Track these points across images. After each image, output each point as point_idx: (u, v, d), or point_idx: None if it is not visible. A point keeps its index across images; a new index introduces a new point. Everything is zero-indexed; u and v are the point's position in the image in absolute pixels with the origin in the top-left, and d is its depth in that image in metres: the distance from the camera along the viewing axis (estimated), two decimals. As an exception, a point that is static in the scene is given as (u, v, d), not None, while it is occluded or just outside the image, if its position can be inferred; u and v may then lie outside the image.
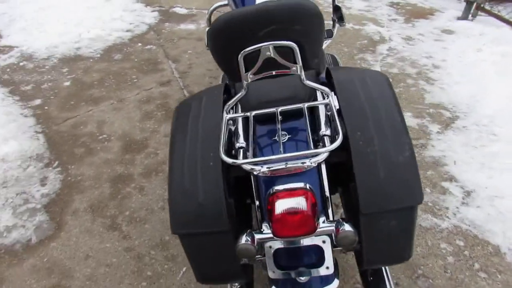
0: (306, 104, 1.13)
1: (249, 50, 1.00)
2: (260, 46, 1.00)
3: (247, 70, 1.06)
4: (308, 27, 1.02)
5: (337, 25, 2.36)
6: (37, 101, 2.78)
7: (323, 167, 1.21)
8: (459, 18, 4.08)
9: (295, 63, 1.05)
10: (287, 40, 1.00)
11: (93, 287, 1.70)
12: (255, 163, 1.06)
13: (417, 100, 2.79)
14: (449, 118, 2.58)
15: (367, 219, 1.11)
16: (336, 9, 2.32)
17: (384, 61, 3.30)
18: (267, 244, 1.15)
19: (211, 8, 2.28)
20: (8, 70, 3.10)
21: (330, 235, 1.12)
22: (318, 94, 1.23)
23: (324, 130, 1.18)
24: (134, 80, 3.07)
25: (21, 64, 3.19)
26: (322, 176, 1.20)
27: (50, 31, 3.61)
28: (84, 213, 2.02)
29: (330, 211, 1.22)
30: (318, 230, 1.07)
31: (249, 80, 1.08)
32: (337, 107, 1.19)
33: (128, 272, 1.74)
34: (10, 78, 3.01)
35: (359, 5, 4.51)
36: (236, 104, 1.35)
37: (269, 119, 1.16)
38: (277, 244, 1.16)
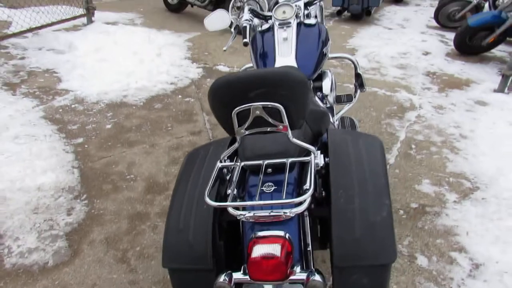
0: (290, 160, 1.25)
1: (240, 108, 1.14)
2: (250, 106, 1.14)
3: (241, 126, 1.19)
4: (293, 92, 1.15)
5: (358, 90, 2.49)
6: (80, 140, 3.08)
7: (307, 220, 1.30)
8: (495, 91, 4.08)
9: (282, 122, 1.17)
10: (274, 102, 1.13)
11: (93, 315, 1.79)
12: (244, 209, 1.17)
13: (438, 168, 2.77)
14: (468, 188, 2.54)
15: (339, 272, 1.16)
16: (358, 76, 2.47)
17: (410, 128, 3.34)
18: (244, 286, 1.22)
19: (242, 69, 2.53)
20: (60, 110, 3.48)
21: (303, 284, 1.17)
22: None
23: (308, 185, 1.27)
24: (168, 128, 3.32)
25: (73, 106, 3.57)
26: (304, 227, 1.28)
27: (104, 79, 4.02)
28: (99, 244, 2.16)
29: (311, 262, 1.28)
30: (291, 277, 1.13)
31: (243, 134, 1.21)
32: (321, 164, 1.30)
33: (127, 305, 1.83)
34: (61, 117, 3.36)
35: (395, 73, 4.63)
36: (235, 155, 1.49)
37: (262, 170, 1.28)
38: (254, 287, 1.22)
